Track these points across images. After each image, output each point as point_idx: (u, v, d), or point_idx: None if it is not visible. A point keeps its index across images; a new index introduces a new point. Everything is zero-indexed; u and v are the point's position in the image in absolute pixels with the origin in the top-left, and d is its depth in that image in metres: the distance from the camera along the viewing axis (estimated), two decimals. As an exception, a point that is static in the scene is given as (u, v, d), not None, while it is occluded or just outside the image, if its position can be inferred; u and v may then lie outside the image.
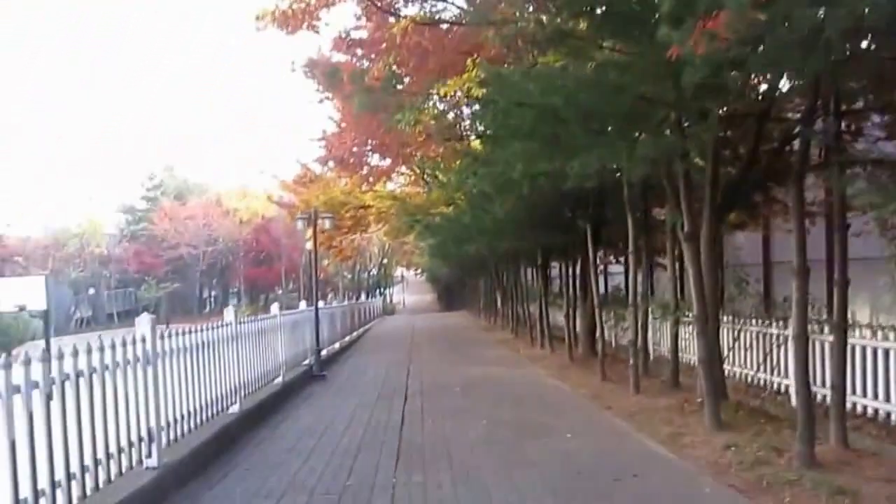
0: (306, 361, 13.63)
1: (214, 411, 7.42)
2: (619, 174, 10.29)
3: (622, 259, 19.80)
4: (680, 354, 10.76)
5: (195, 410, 6.78)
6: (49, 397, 4.19)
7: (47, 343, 24.29)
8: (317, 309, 13.82)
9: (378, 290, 69.75)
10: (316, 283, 15.07)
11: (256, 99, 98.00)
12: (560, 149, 8.89)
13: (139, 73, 57.24)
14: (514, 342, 20.53)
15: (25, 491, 3.87)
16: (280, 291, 59.39)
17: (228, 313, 8.44)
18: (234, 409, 8.12)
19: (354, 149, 17.12)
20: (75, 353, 4.56)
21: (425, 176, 19.71)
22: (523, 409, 9.09)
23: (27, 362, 4.01)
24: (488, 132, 9.27)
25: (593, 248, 11.95)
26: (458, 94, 8.76)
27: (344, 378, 13.36)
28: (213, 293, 62.42)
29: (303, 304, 13.98)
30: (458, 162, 14.18)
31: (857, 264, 6.66)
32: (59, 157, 51.52)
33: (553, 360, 15.04)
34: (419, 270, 78.49)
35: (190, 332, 6.79)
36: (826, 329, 7.84)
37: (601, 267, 16.96)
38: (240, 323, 8.65)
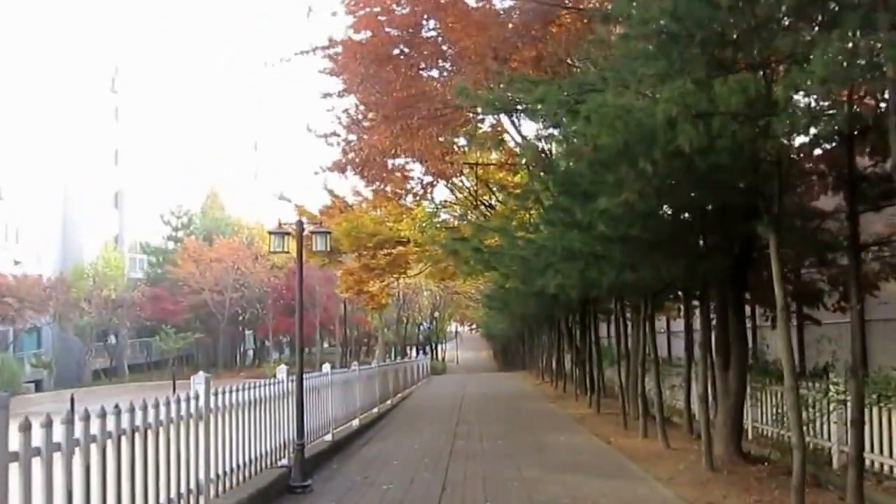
0: (284, 461, 8.57)
1: None
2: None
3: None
4: None
5: None
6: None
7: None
8: (301, 381, 8.66)
9: (428, 346, 64.21)
10: (301, 340, 9.88)
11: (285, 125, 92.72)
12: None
13: (171, 103, 53.57)
14: (598, 422, 14.99)
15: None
16: (324, 346, 54.14)
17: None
18: None
19: (376, 143, 12.27)
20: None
21: (476, 187, 14.72)
22: None
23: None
24: None
25: (779, 273, 6.38)
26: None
27: (338, 494, 8.15)
28: (243, 346, 57.43)
29: (281, 372, 8.86)
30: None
31: None
32: (85, 192, 48.74)
33: (674, 463, 9.51)
34: (474, 326, 73.00)
35: None
36: None
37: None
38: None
